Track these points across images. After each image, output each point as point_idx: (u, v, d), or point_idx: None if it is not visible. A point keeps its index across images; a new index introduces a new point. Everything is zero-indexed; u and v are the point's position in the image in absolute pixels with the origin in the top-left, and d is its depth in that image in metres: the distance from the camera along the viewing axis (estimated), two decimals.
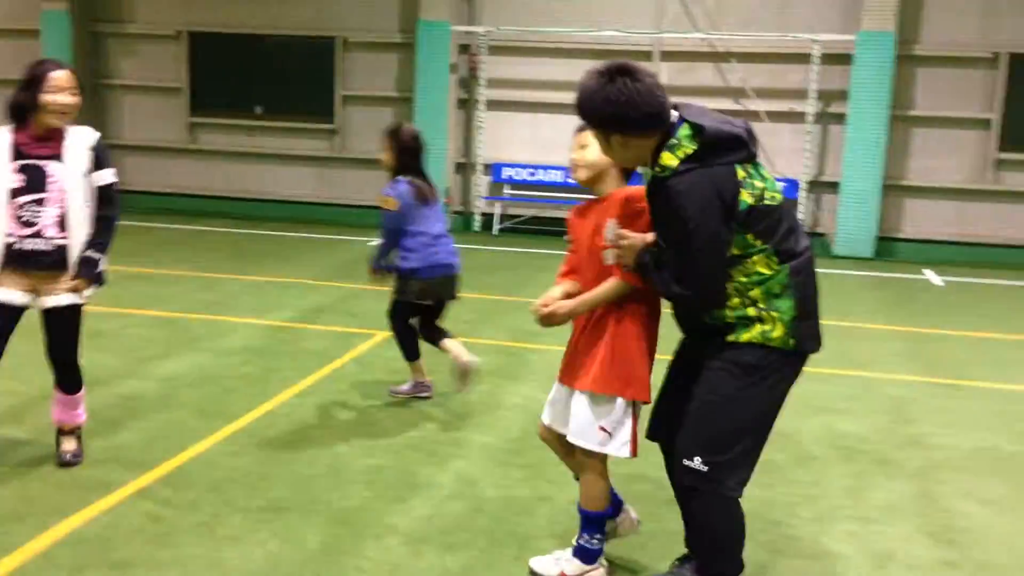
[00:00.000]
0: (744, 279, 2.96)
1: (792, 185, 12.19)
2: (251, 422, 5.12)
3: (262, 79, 13.64)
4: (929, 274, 10.88)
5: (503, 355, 6.66)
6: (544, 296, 3.31)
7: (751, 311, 2.98)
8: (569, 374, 3.35)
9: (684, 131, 2.93)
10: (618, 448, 3.24)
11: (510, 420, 5.29)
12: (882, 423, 5.47)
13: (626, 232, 3.11)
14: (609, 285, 3.20)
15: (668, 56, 12.46)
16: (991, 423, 5.54)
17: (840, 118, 12.00)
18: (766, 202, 2.98)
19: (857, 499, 4.36)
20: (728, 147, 2.93)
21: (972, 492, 4.49)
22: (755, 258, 2.96)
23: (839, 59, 11.88)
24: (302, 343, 6.78)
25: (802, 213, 12.06)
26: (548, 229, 12.15)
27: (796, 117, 12.20)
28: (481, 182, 12.98)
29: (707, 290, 2.95)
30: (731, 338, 2.99)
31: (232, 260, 10.07)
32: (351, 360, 6.36)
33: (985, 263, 11.81)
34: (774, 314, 2.99)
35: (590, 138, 3.20)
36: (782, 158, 12.31)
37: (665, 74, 12.51)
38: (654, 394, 3.30)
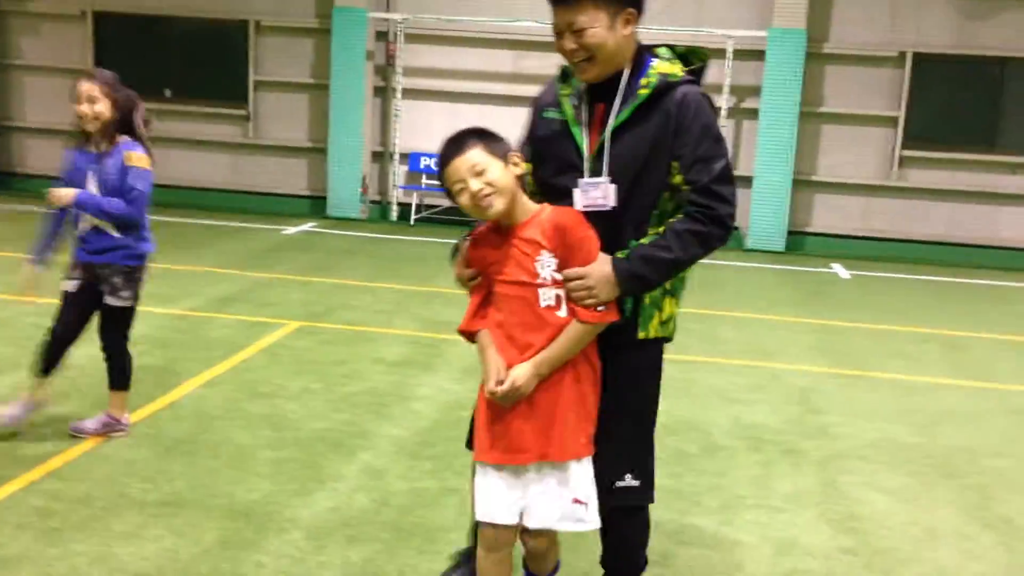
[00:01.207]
0: None
1: None
2: (151, 414, 4.95)
3: (171, 62, 13.25)
4: (837, 268, 11.14)
5: (415, 345, 6.57)
6: (489, 370, 2.62)
7: (658, 295, 2.72)
8: (520, 449, 2.60)
9: (665, 50, 2.73)
10: (594, 517, 2.67)
11: (420, 411, 5.22)
12: (790, 413, 5.55)
13: (578, 271, 2.56)
14: (577, 332, 2.56)
15: None
16: (893, 414, 5.67)
17: (753, 113, 12.19)
18: None
19: (762, 488, 4.41)
20: (701, 82, 2.74)
21: (873, 481, 4.58)
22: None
23: (752, 55, 12.06)
24: (208, 333, 6.59)
25: None
26: (465, 219, 12.04)
27: None
28: (398, 171, 12.83)
29: (734, 209, 2.61)
30: (641, 335, 2.71)
31: None
32: (260, 351, 6.20)
33: (889, 257, 12.14)
34: (672, 302, 2.78)
35: (483, 157, 2.55)
36: None
37: None
38: None
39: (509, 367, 2.59)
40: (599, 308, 2.58)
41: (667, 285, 2.72)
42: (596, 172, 2.63)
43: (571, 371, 2.61)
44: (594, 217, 2.64)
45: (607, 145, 2.64)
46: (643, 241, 2.61)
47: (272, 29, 13.01)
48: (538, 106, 2.82)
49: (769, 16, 11.82)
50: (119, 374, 4.66)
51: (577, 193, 2.66)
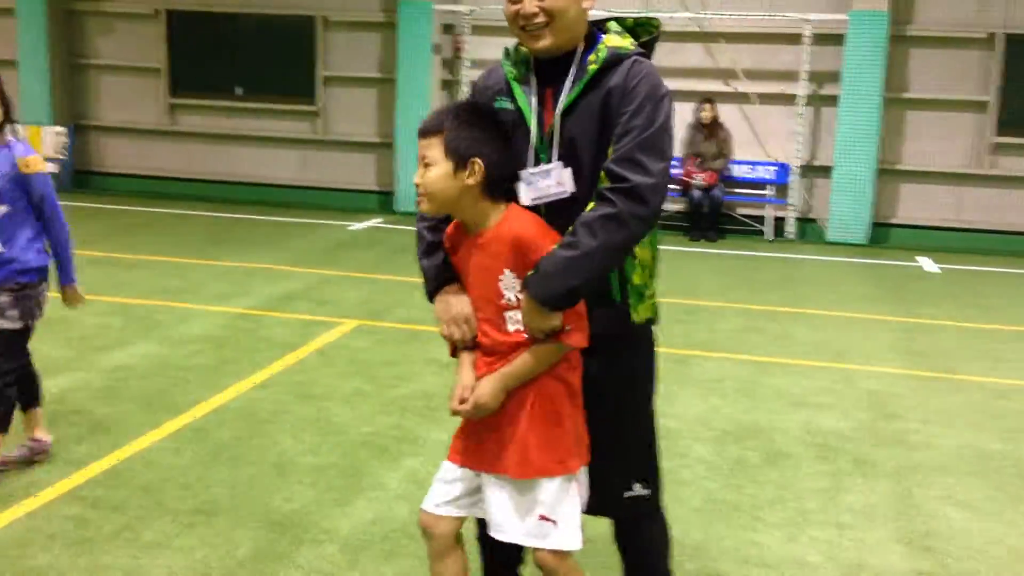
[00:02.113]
0: None
1: (783, 169, 11.90)
2: (198, 417, 4.87)
3: (242, 59, 13.33)
4: (924, 261, 10.61)
5: None
6: (457, 386, 2.50)
7: (645, 276, 2.54)
8: (477, 456, 2.49)
9: (615, 24, 2.54)
10: (567, 538, 2.45)
11: None
12: (863, 419, 5.21)
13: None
14: (540, 353, 2.38)
15: None
16: (978, 420, 5.29)
17: (832, 100, 11.69)
18: None
19: (830, 502, 4.11)
20: (651, 56, 2.54)
21: (953, 495, 4.24)
22: None
23: (831, 39, 11.56)
24: (265, 332, 6.52)
25: (794, 198, 11.78)
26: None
27: (787, 99, 11.89)
28: None
29: (658, 182, 2.32)
30: (635, 319, 2.51)
31: (204, 245, 9.80)
32: (314, 351, 6.10)
33: (982, 250, 11.52)
34: (653, 281, 2.59)
35: (436, 151, 2.37)
36: (773, 141, 12.02)
37: (653, 55, 12.18)
38: None
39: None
40: (565, 328, 2.35)
41: (647, 266, 2.52)
42: (549, 160, 2.43)
43: (537, 389, 2.41)
44: (554, 210, 2.42)
45: (557, 127, 2.43)
46: (554, 246, 2.36)
47: (339, 24, 12.97)
48: (487, 94, 2.57)
49: None
50: (24, 395, 4.16)
51: (522, 187, 2.45)
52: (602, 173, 2.35)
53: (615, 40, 2.46)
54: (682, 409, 5.25)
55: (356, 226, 11.42)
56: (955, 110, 11.69)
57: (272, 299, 7.46)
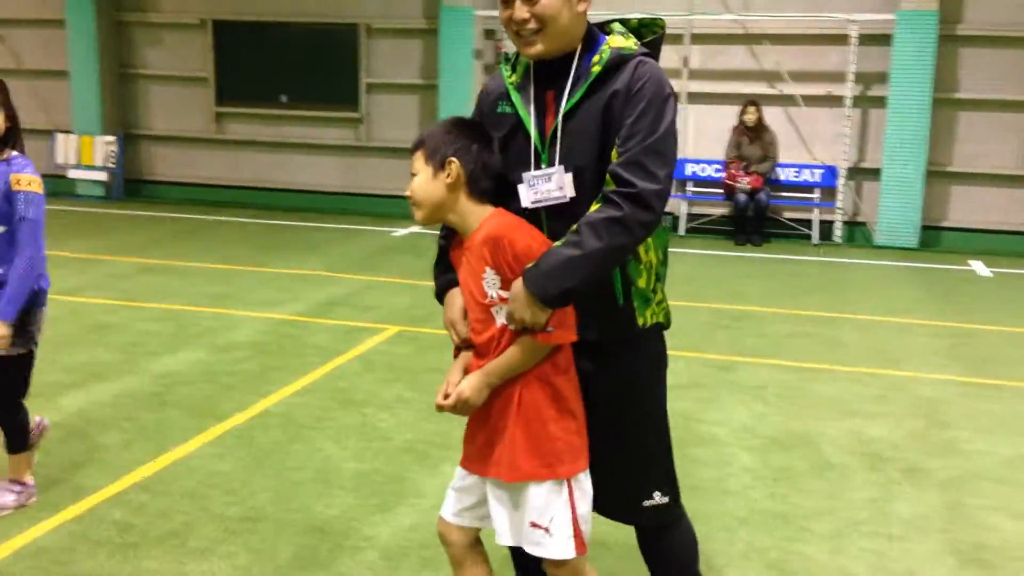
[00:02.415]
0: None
1: (830, 172, 11.73)
2: (242, 422, 4.91)
3: (287, 68, 13.45)
4: (976, 265, 10.39)
5: None
6: (445, 382, 2.51)
7: (651, 279, 2.47)
8: (478, 460, 2.51)
9: (618, 25, 2.51)
10: (561, 547, 2.42)
11: None
12: (914, 427, 5.10)
13: (512, 287, 2.34)
14: (522, 350, 2.37)
15: (699, 39, 12.05)
16: None
17: (880, 101, 11.51)
18: None
19: (879, 512, 4.03)
20: (657, 56, 2.51)
21: (1006, 505, 4.13)
22: None
23: (878, 39, 11.38)
24: (308, 338, 6.55)
25: (841, 201, 11.61)
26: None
27: (834, 101, 11.73)
28: None
29: (664, 188, 2.29)
30: (640, 322, 2.46)
31: (250, 251, 9.89)
32: (356, 357, 6.12)
33: None
34: (660, 285, 2.52)
35: (419, 162, 2.44)
36: (820, 144, 11.86)
37: (696, 57, 12.11)
38: None
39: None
40: (547, 329, 2.32)
41: (653, 269, 2.47)
42: (550, 163, 2.41)
43: (522, 390, 2.40)
44: (554, 213, 2.41)
45: (559, 131, 2.41)
46: (556, 244, 2.34)
47: (382, 31, 13.05)
48: (489, 99, 2.58)
49: None
50: (15, 435, 3.90)
51: (522, 188, 2.44)
52: (607, 176, 2.32)
53: (618, 41, 2.43)
54: (727, 416, 5.18)
55: (399, 232, 11.47)
56: (1006, 110, 11.45)
57: (316, 305, 7.51)
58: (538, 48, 2.40)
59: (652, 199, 2.27)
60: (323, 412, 5.08)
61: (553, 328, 2.34)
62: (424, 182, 2.44)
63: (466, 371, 2.49)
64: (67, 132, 13.76)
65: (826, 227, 11.76)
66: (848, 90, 11.36)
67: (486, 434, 2.48)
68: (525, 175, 2.43)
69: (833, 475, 4.42)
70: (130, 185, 13.98)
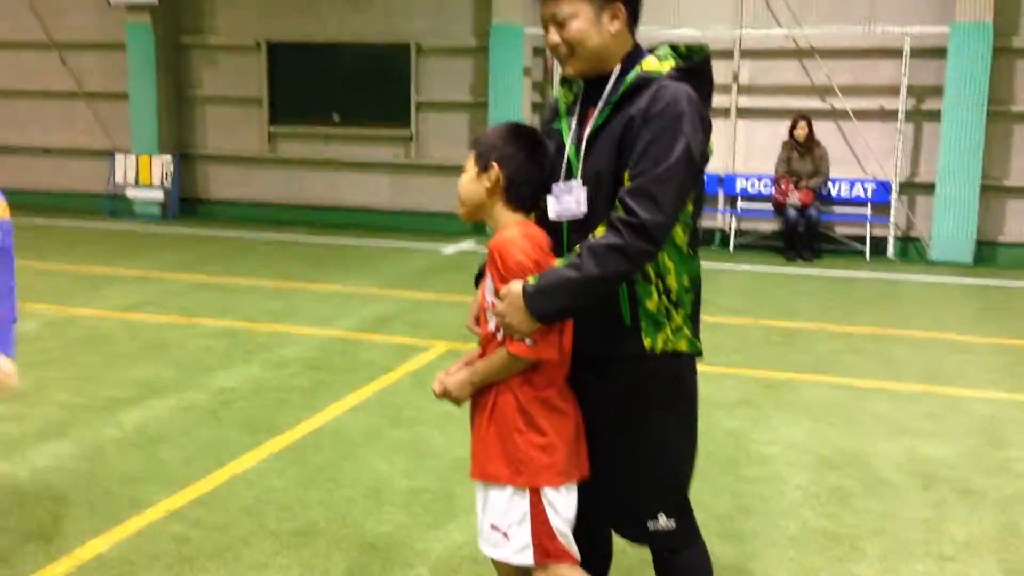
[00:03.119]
0: (666, 260, 2.44)
1: (883, 187, 11.61)
2: (297, 438, 4.99)
3: (338, 87, 13.67)
4: None
5: None
6: (442, 371, 2.67)
7: (665, 302, 2.46)
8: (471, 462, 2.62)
9: (665, 49, 2.52)
10: (516, 553, 2.47)
11: None
12: (969, 447, 5.03)
13: (505, 289, 2.38)
14: (499, 356, 2.45)
15: (749, 54, 12.02)
16: None
17: (934, 115, 11.37)
18: (707, 160, 2.48)
19: (933, 532, 3.98)
20: (707, 79, 2.51)
21: None
22: (679, 231, 2.44)
23: (932, 53, 11.26)
24: (360, 354, 6.65)
25: (894, 216, 11.47)
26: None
27: (886, 115, 11.61)
28: None
29: (669, 221, 2.30)
30: (647, 344, 2.44)
31: (303, 269, 10.05)
32: (407, 374, 6.19)
33: None
34: (678, 312, 2.48)
35: (469, 160, 2.54)
36: (872, 158, 11.74)
37: (746, 73, 12.07)
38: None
39: None
40: (527, 340, 2.38)
41: (672, 295, 2.46)
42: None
43: (495, 396, 2.49)
44: (575, 226, 2.46)
45: (583, 148, 2.47)
46: (557, 261, 2.38)
47: (432, 50, 13.20)
48: (548, 114, 2.70)
49: (950, 10, 11.01)
50: None
51: (551, 200, 2.51)
52: (616, 200, 2.35)
53: (651, 64, 2.46)
54: (778, 435, 5.15)
55: (448, 249, 11.56)
56: None
57: (367, 322, 7.61)
58: (573, 68, 2.49)
59: (656, 231, 2.29)
60: (374, 429, 5.16)
61: (534, 341, 2.39)
62: (468, 181, 2.54)
63: (469, 364, 2.61)
64: (126, 152, 14.10)
65: (879, 242, 11.63)
66: (901, 104, 11.24)
67: (474, 436, 2.60)
68: (553, 186, 2.51)
69: (886, 494, 4.38)
70: (185, 204, 14.28)
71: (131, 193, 13.99)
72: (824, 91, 11.82)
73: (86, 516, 4.00)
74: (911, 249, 11.77)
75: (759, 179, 11.99)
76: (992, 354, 7.00)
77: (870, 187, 11.71)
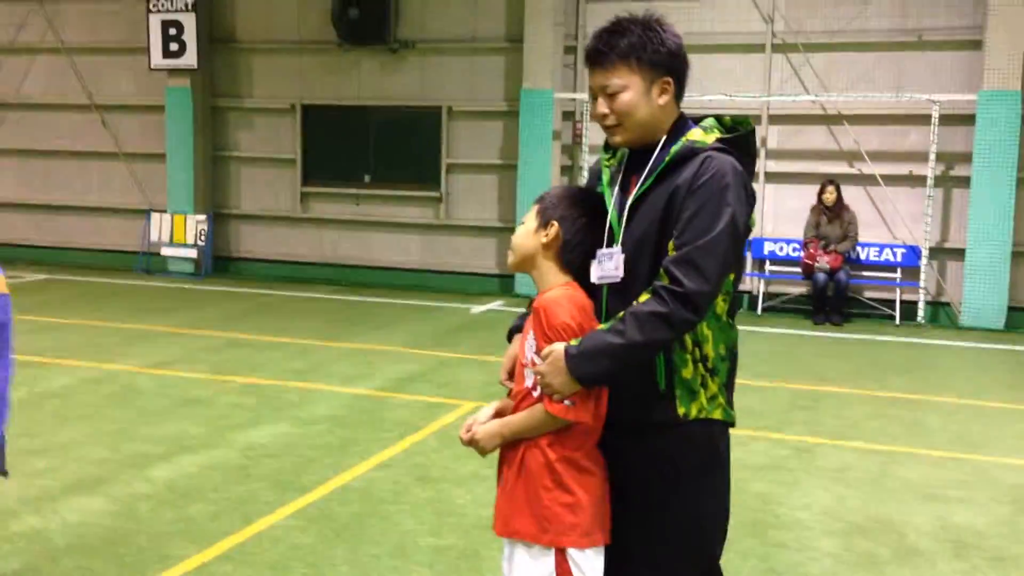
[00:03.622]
0: (704, 328, 2.45)
1: (913, 252, 11.58)
2: (324, 496, 5.01)
3: (370, 149, 13.92)
4: None
5: None
6: (471, 418, 2.65)
7: (701, 371, 2.46)
8: (495, 518, 2.61)
9: (711, 120, 2.56)
10: None
11: None
12: (1001, 515, 4.96)
13: (547, 350, 2.40)
14: (536, 414, 2.46)
15: (777, 119, 12.12)
16: None
17: (964, 181, 11.37)
18: (750, 231, 2.53)
19: None
20: (750, 152, 2.55)
21: None
22: (719, 300, 2.44)
23: (961, 119, 11.31)
24: (386, 413, 6.68)
25: (924, 281, 11.43)
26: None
27: (916, 180, 11.63)
28: None
29: (713, 291, 2.34)
30: (681, 411, 2.44)
31: (332, 327, 10.14)
32: (433, 432, 6.21)
33: None
34: (715, 380, 2.49)
35: (529, 214, 2.61)
36: (901, 223, 11.74)
37: (774, 138, 12.17)
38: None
39: None
40: (566, 402, 2.39)
41: (708, 362, 2.47)
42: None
43: (524, 453, 2.49)
44: (614, 291, 2.49)
45: (624, 215, 2.50)
46: (601, 326, 2.40)
47: (463, 114, 13.43)
48: (592, 178, 2.73)
49: (978, 78, 11.08)
50: None
51: (594, 264, 2.53)
52: (661, 269, 2.37)
53: (697, 134, 2.50)
54: (808, 500, 5.11)
55: (477, 309, 11.63)
56: None
57: (394, 380, 7.65)
58: (620, 139, 2.54)
59: (700, 300, 2.32)
60: (401, 487, 5.17)
61: (573, 403, 2.41)
62: (526, 233, 2.58)
63: (499, 414, 2.61)
64: (162, 211, 14.37)
65: (909, 307, 11.56)
66: (930, 169, 11.26)
67: (499, 490, 2.59)
68: (598, 252, 2.54)
69: (917, 562, 4.32)
70: (218, 262, 14.49)
71: (165, 251, 14.22)
72: (852, 156, 11.88)
73: (115, 571, 4.03)
74: (941, 314, 11.69)
75: (788, 243, 12.00)
76: (1022, 421, 6.92)
77: (900, 252, 11.68)
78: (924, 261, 11.44)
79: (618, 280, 2.48)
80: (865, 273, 11.84)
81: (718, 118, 2.58)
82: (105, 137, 14.97)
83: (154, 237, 14.30)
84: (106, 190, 15.13)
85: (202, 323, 10.11)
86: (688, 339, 2.44)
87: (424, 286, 13.37)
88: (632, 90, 2.47)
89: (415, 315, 11.15)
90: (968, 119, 11.18)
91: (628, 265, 2.46)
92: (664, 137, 2.52)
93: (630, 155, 2.59)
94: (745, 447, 5.88)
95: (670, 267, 2.35)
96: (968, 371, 8.78)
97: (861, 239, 11.64)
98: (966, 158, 11.31)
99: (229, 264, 14.61)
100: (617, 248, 2.49)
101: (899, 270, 11.71)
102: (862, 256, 11.74)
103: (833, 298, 11.27)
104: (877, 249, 11.76)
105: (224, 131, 14.60)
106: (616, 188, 2.57)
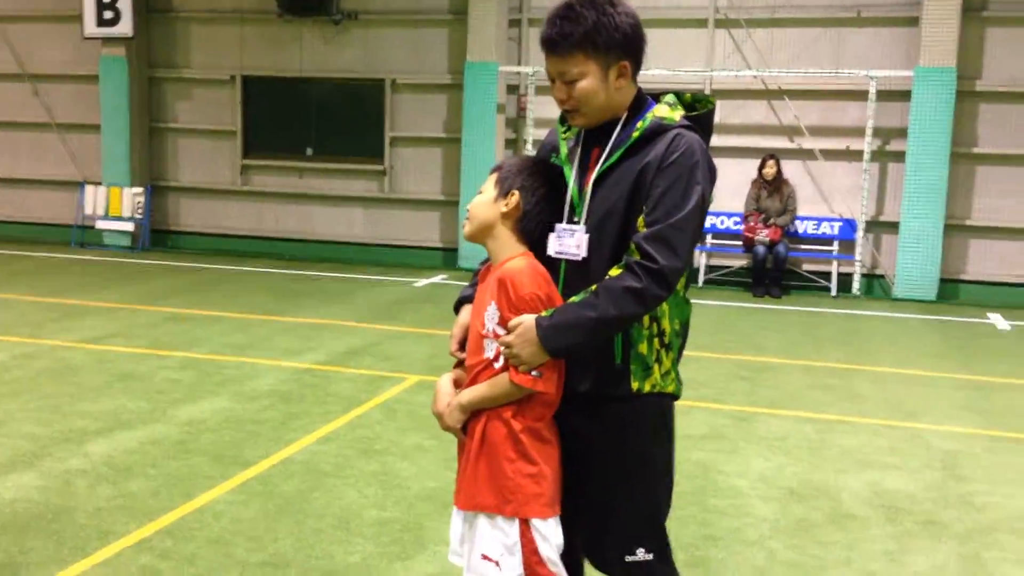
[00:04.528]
0: (664, 303, 2.45)
1: (849, 225, 11.81)
2: (266, 470, 4.98)
3: (313, 121, 13.76)
4: (995, 318, 10.39)
5: None
6: (443, 391, 2.63)
7: (656, 345, 2.50)
8: (456, 490, 2.61)
9: (672, 96, 2.56)
10: None
11: None
12: (932, 480, 5.12)
13: (516, 321, 2.41)
14: (500, 385, 2.46)
15: (719, 94, 12.23)
16: None
17: (899, 156, 11.61)
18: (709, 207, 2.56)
19: (896, 564, 4.04)
20: (710, 129, 2.58)
21: (1023, 558, 4.14)
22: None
23: (898, 96, 11.53)
24: (330, 387, 6.65)
25: (860, 254, 11.66)
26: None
27: (853, 155, 11.85)
28: None
29: (683, 267, 2.38)
30: (635, 386, 2.48)
31: (274, 301, 10.04)
32: (377, 406, 6.20)
33: None
34: (669, 355, 2.53)
35: (489, 182, 2.59)
36: (838, 197, 11.95)
37: (716, 112, 12.17)
38: None
39: None
40: (532, 372, 2.40)
41: (664, 337, 2.51)
42: (582, 219, 2.51)
43: (485, 424, 2.49)
44: (572, 267, 2.50)
45: (588, 191, 2.50)
46: (573, 299, 2.42)
47: (407, 86, 13.32)
48: (545, 150, 2.71)
49: (915, 54, 11.29)
50: None
51: (552, 237, 2.54)
52: (631, 244, 2.38)
53: (663, 111, 2.50)
54: (746, 467, 5.21)
55: (421, 282, 11.60)
56: None
57: (337, 354, 7.61)
58: (580, 121, 2.53)
59: (671, 277, 2.35)
60: (344, 460, 5.16)
61: (540, 374, 2.42)
62: (484, 201, 2.57)
63: (456, 384, 2.62)
64: (97, 184, 14.06)
65: (845, 279, 11.80)
66: (867, 144, 11.47)
67: (461, 464, 2.59)
68: (557, 226, 2.53)
69: (851, 527, 4.44)
70: (156, 236, 14.24)
71: (100, 224, 13.93)
72: (792, 131, 12.05)
73: (53, 547, 3.97)
74: (876, 286, 11.96)
75: (728, 216, 12.15)
76: (953, 389, 7.12)
77: (836, 225, 11.90)
78: (860, 234, 11.67)
79: (579, 259, 2.48)
80: (803, 246, 12.05)
81: (678, 95, 2.58)
82: (37, 107, 14.58)
83: (89, 210, 14.00)
84: (39, 162, 14.75)
85: (139, 298, 9.94)
86: (648, 319, 2.46)
87: (367, 260, 13.30)
88: (590, 77, 2.45)
89: (358, 289, 11.09)
90: (904, 95, 11.40)
91: (590, 242, 2.47)
92: (625, 114, 2.52)
93: (588, 129, 2.58)
94: (686, 416, 5.97)
95: (642, 243, 2.36)
96: (901, 341, 9.01)
97: (800, 213, 11.84)
98: (902, 133, 11.55)
99: (167, 238, 14.37)
100: (581, 227, 2.48)
101: (836, 243, 11.94)
102: (800, 230, 11.94)
103: (772, 271, 11.46)
104: (815, 223, 11.97)
105: (162, 102, 14.30)
106: (575, 162, 2.56)
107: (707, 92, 12.11)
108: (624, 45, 2.46)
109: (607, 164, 2.48)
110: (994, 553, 4.18)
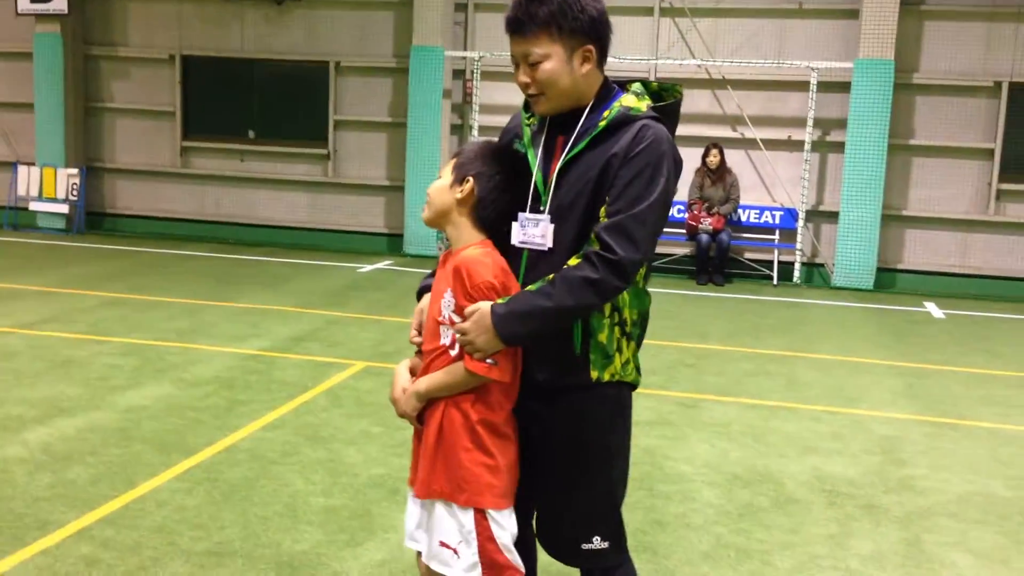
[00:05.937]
0: (624, 294, 2.47)
1: (790, 215, 11.99)
2: (209, 457, 4.90)
3: (255, 104, 13.54)
4: (930, 307, 10.65)
5: None
6: (396, 379, 2.62)
7: (617, 334, 2.50)
8: (412, 476, 2.62)
9: (639, 86, 2.54)
10: (466, 571, 2.47)
11: None
12: (872, 465, 5.23)
13: (471, 308, 2.40)
14: (455, 372, 2.45)
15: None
16: (987, 466, 5.29)
17: (839, 146, 11.82)
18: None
19: (839, 547, 4.12)
20: (675, 120, 2.56)
21: (962, 541, 4.25)
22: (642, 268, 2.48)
23: (838, 87, 11.72)
24: (275, 373, 6.57)
25: (800, 243, 11.85)
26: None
27: (794, 145, 12.02)
28: None
29: (643, 259, 2.38)
30: (595, 375, 2.48)
31: (216, 286, 9.88)
32: (323, 392, 6.14)
33: (987, 296, 11.58)
34: (629, 345, 2.54)
35: (447, 169, 2.56)
36: (779, 187, 12.13)
37: None
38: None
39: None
40: (487, 360, 2.39)
41: (626, 327, 2.52)
42: (547, 208, 2.49)
43: (442, 413, 2.48)
44: (535, 256, 2.49)
45: (553, 180, 2.49)
46: (530, 287, 2.41)
47: (352, 69, 13.18)
48: (508, 135, 2.68)
49: (855, 47, 11.48)
50: None
51: (515, 226, 2.52)
52: (592, 234, 2.37)
53: (630, 100, 2.48)
54: (692, 453, 5.27)
55: (366, 268, 11.51)
56: (959, 157, 11.81)
57: (282, 340, 7.52)
58: (544, 107, 2.49)
59: (630, 268, 2.34)
60: (290, 447, 5.10)
61: (495, 362, 2.41)
62: (441, 187, 2.54)
63: (412, 371, 2.62)
64: (30, 164, 13.68)
65: (786, 268, 11.99)
66: (808, 135, 11.64)
67: (417, 451, 2.58)
68: (520, 215, 2.50)
69: (794, 511, 4.52)
70: (92, 218, 13.92)
71: (34, 206, 13.57)
72: (735, 120, 12.18)
73: None
74: (815, 275, 12.17)
75: (672, 204, 12.24)
76: (892, 376, 7.28)
77: (778, 214, 12.08)
78: (800, 224, 11.86)
79: (544, 248, 2.46)
80: (745, 235, 12.21)
81: (645, 83, 2.56)
82: None
83: (21, 191, 13.62)
84: None
85: (76, 282, 9.71)
86: (607, 304, 2.45)
87: (311, 245, 13.16)
88: (554, 59, 2.42)
89: (303, 274, 10.96)
90: (844, 86, 11.59)
91: (554, 232, 2.45)
92: (591, 102, 2.50)
93: (553, 116, 2.54)
94: (634, 403, 6.01)
95: (602, 234, 2.35)
96: (841, 329, 9.18)
97: (742, 202, 11.98)
98: (841, 124, 11.74)
99: (104, 220, 14.05)
100: (545, 217, 2.46)
101: (777, 232, 12.11)
102: (743, 218, 12.09)
103: (715, 259, 11.59)
104: (757, 212, 12.13)
105: (97, 81, 13.96)
106: (540, 149, 2.53)
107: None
108: (589, 30, 2.43)
109: (573, 152, 2.45)
110: (934, 536, 4.29)
